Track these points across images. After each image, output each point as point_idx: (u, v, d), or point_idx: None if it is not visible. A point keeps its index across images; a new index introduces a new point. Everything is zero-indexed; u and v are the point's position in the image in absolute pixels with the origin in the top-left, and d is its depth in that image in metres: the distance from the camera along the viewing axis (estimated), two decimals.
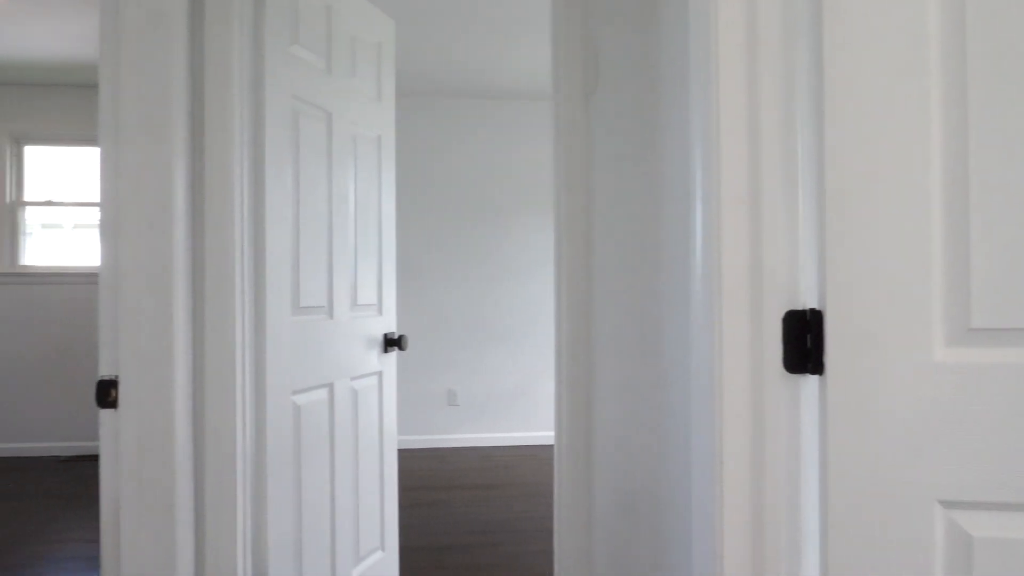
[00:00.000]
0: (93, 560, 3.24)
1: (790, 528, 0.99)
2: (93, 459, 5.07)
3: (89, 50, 4.50)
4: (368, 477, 2.48)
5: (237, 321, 1.78)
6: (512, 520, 3.74)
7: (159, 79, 1.68)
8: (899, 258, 0.93)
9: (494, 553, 3.29)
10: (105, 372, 1.61)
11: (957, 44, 0.91)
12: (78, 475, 4.70)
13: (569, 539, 1.98)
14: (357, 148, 2.44)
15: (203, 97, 1.79)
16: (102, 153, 1.70)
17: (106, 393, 1.59)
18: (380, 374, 2.57)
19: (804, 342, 0.98)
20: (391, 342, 2.59)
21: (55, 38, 4.35)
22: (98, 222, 1.65)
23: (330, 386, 2.25)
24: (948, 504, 0.91)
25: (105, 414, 1.61)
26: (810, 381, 0.99)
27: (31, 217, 5.39)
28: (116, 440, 1.61)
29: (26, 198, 5.36)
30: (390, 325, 2.63)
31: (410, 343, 5.45)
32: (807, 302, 0.99)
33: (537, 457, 5.13)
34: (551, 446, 5.44)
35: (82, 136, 5.32)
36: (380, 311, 2.58)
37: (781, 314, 0.99)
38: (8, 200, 5.26)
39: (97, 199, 1.71)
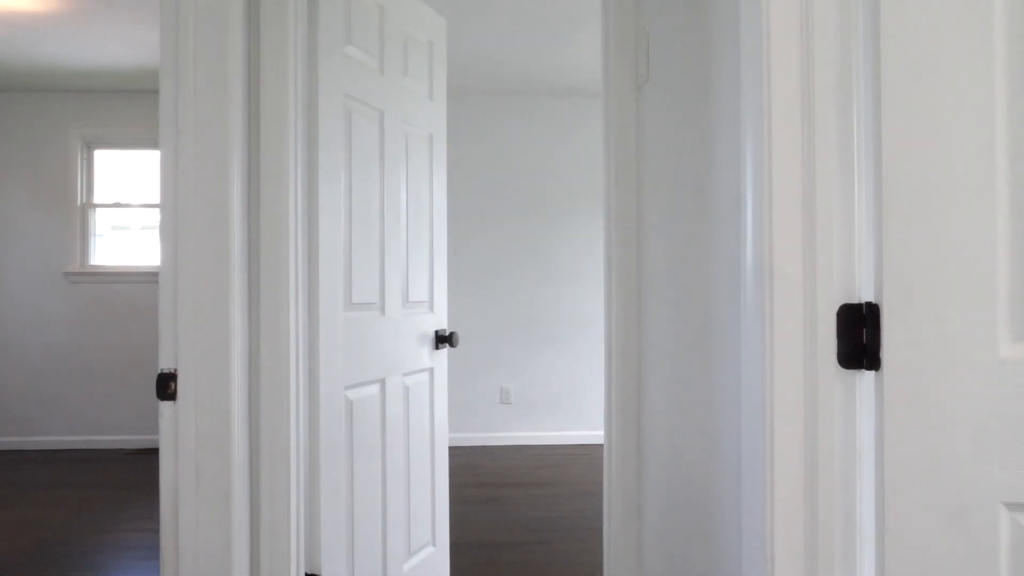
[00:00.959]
0: (154, 548, 3.35)
1: (844, 529, 0.96)
2: (156, 452, 5.25)
3: (155, 56, 4.66)
4: (419, 472, 2.50)
5: (291, 317, 1.82)
6: (563, 518, 3.73)
7: (217, 81, 1.73)
8: (962, 251, 0.89)
9: (545, 551, 3.28)
10: (165, 365, 1.66)
11: None
12: (142, 467, 4.87)
13: (619, 537, 1.97)
14: (409, 146, 2.46)
15: (259, 98, 1.84)
16: (162, 155, 1.76)
17: (165, 386, 1.64)
18: (431, 370, 2.59)
19: (860, 337, 0.94)
20: (442, 339, 2.61)
21: (123, 45, 4.51)
22: (159, 220, 1.71)
23: (382, 382, 2.28)
24: (1013, 506, 0.87)
25: (165, 406, 1.66)
26: (865, 377, 0.96)
27: (101, 219, 5.60)
28: (175, 431, 1.66)
29: (96, 200, 5.58)
30: (441, 322, 2.65)
31: (463, 342, 5.49)
32: (863, 295, 0.96)
33: (588, 456, 5.10)
34: (602, 445, 5.41)
35: (149, 140, 5.51)
36: (431, 308, 2.60)
37: (835, 308, 0.96)
38: (79, 202, 5.48)
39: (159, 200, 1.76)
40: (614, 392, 1.97)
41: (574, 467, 4.80)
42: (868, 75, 0.93)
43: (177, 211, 1.72)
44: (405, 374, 2.41)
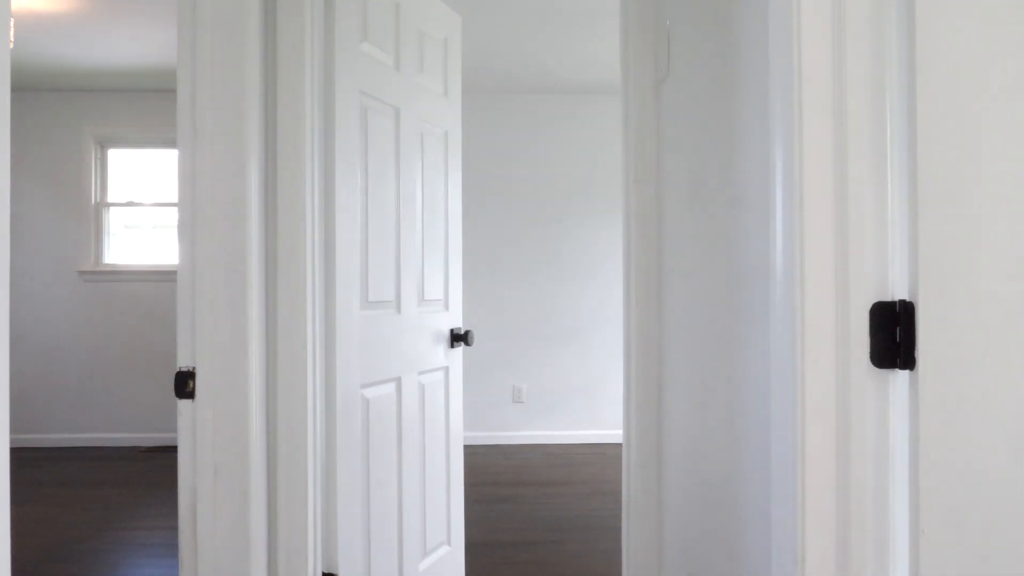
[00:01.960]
0: (171, 547, 3.35)
1: (877, 530, 0.94)
2: (172, 450, 5.27)
3: (169, 56, 4.66)
4: (434, 471, 2.49)
5: (308, 315, 1.81)
6: (578, 518, 3.71)
7: (234, 80, 1.72)
8: (1001, 245, 0.87)
9: (560, 551, 3.27)
10: (183, 364, 1.65)
11: None
12: (158, 465, 4.88)
13: (638, 537, 1.95)
14: (424, 144, 2.45)
15: (276, 96, 1.83)
16: (180, 154, 1.75)
17: (184, 384, 1.64)
18: (447, 369, 2.58)
19: (893, 335, 0.92)
20: (457, 337, 2.60)
21: (137, 45, 4.53)
22: (176, 221, 1.70)
23: (398, 380, 2.27)
24: None
25: (183, 404, 1.65)
26: (899, 376, 0.94)
27: (114, 218, 5.63)
28: (193, 429, 1.65)
29: (110, 199, 5.60)
30: (456, 320, 2.64)
31: (476, 340, 5.48)
32: (896, 293, 0.94)
33: (602, 455, 5.08)
34: (617, 444, 5.38)
35: (162, 139, 5.53)
36: (447, 306, 2.59)
37: (868, 306, 0.94)
38: (93, 201, 5.50)
39: (175, 200, 1.76)
40: (633, 391, 1.96)
41: (587, 466, 4.78)
42: (902, 68, 0.91)
43: (195, 210, 1.72)
44: (421, 373, 2.41)
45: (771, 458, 1.04)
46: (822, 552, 0.95)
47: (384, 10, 2.21)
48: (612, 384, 5.48)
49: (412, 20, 2.37)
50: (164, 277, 5.44)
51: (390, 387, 2.23)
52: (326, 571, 1.92)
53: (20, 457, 5.04)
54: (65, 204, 5.48)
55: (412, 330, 2.34)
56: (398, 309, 2.27)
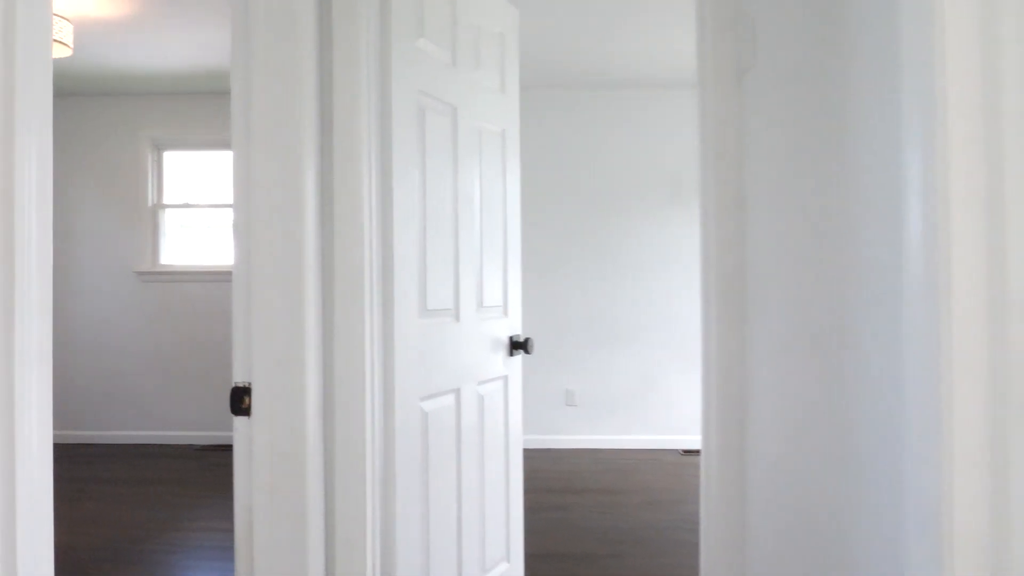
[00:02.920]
0: (225, 550, 3.33)
1: None
2: (226, 448, 5.29)
3: (223, 58, 4.66)
4: (494, 487, 2.39)
5: (366, 325, 1.72)
6: (636, 529, 3.58)
7: (288, 80, 1.64)
8: None
9: (621, 565, 3.14)
10: (239, 379, 1.58)
11: None
12: (211, 464, 4.90)
13: (719, 556, 1.82)
14: (482, 143, 2.35)
15: (331, 96, 1.74)
16: (234, 156, 1.68)
17: (240, 400, 1.56)
18: (506, 378, 2.48)
19: None
20: (517, 345, 2.49)
21: (190, 47, 4.53)
22: (232, 223, 1.63)
23: (457, 391, 2.17)
24: None
25: (239, 421, 1.58)
26: None
27: (170, 219, 5.67)
28: (249, 448, 1.58)
29: (165, 201, 5.65)
30: (516, 327, 2.54)
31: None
32: None
33: (656, 462, 4.93)
34: (674, 451, 5.22)
35: (217, 141, 5.55)
36: (505, 312, 2.48)
37: None
38: (150, 203, 5.55)
39: (229, 201, 1.69)
40: (713, 397, 1.83)
41: (642, 473, 4.63)
42: None
43: (250, 216, 1.64)
44: (480, 383, 2.31)
45: (906, 486, 0.91)
46: None
47: (440, 5, 2.11)
48: (668, 388, 5.31)
49: (469, 15, 2.27)
50: (218, 277, 5.46)
51: (449, 399, 2.14)
52: None
53: (77, 453, 5.11)
54: (122, 206, 5.54)
55: (471, 339, 2.24)
56: (456, 317, 2.18)
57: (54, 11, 3.69)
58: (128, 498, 4.17)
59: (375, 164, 1.81)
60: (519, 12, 2.64)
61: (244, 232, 1.64)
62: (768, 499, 1.58)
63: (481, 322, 2.31)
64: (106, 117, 5.55)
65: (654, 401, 5.33)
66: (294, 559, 1.61)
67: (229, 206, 1.74)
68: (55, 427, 5.49)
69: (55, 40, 3.40)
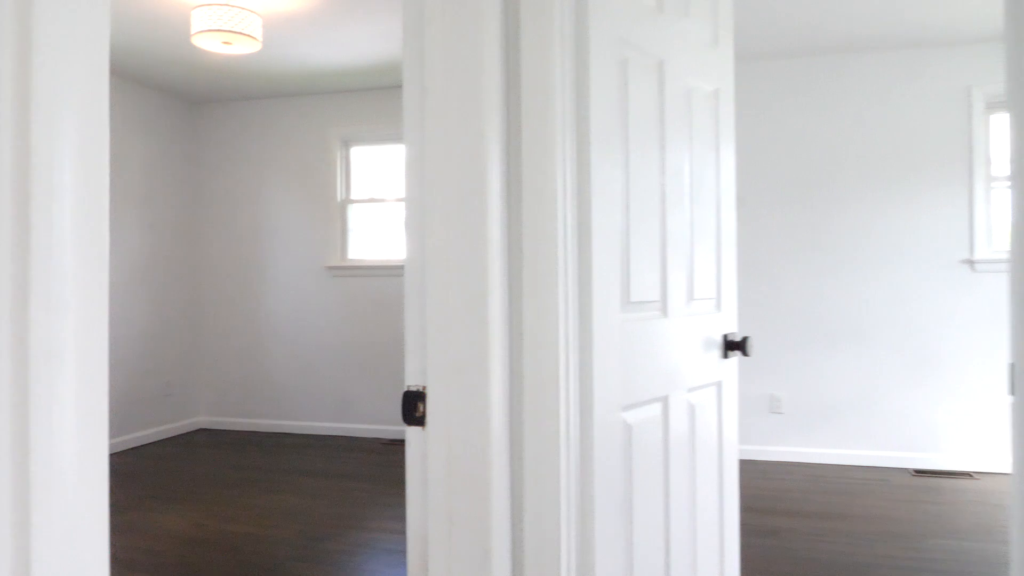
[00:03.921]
0: (404, 555, 3.18)
1: None
2: None
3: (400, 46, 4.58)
4: (705, 513, 2.00)
5: (560, 321, 1.41)
6: (869, 568, 3.01)
7: (467, 26, 1.36)
8: None
9: None
10: (412, 382, 1.33)
11: None
12: (397, 459, 4.87)
13: None
14: (692, 105, 1.97)
15: (518, 47, 1.45)
16: (406, 129, 1.44)
17: (413, 407, 1.31)
18: (719, 384, 2.08)
19: None
20: (732, 345, 2.08)
21: (373, 39, 4.49)
22: (404, 214, 1.37)
23: (664, 400, 1.81)
24: None
25: (412, 433, 1.33)
26: None
27: (357, 214, 5.75)
28: (423, 466, 1.32)
29: (353, 196, 5.74)
30: (730, 323, 2.13)
31: None
32: None
33: (883, 483, 4.24)
34: (903, 470, 4.50)
35: (400, 135, 5.54)
36: (718, 306, 2.08)
37: None
38: (339, 199, 5.66)
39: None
40: None
41: (867, 496, 3.99)
42: None
43: (424, 198, 1.39)
44: (689, 390, 1.93)
45: None
46: None
47: None
48: (896, 398, 4.58)
49: None
50: (403, 272, 5.45)
51: (655, 409, 1.78)
52: None
53: (269, 442, 5.29)
54: (313, 203, 5.69)
55: (680, 337, 1.87)
56: (664, 311, 1.81)
57: (243, 5, 3.74)
58: (316, 491, 4.20)
59: (570, 128, 1.49)
60: None
61: (417, 218, 1.39)
62: None
63: (691, 317, 1.93)
64: (297, 117, 5.72)
65: (878, 412, 4.61)
66: None
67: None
68: (252, 415, 5.74)
69: (244, 34, 3.42)
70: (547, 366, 1.40)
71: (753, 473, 4.46)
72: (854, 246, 4.64)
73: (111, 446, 5.12)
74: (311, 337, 5.69)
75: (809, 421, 4.72)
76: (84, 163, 0.64)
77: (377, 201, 5.70)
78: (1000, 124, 4.48)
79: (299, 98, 5.73)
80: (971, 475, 4.36)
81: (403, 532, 3.47)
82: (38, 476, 0.59)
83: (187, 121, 5.86)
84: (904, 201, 4.56)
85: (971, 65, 4.47)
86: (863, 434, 4.63)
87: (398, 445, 5.25)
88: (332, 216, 5.65)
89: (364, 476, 4.51)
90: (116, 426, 5.16)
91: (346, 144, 5.72)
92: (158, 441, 5.49)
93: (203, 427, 5.91)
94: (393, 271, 5.53)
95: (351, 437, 5.56)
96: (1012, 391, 1.33)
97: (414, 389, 1.31)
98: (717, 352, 2.06)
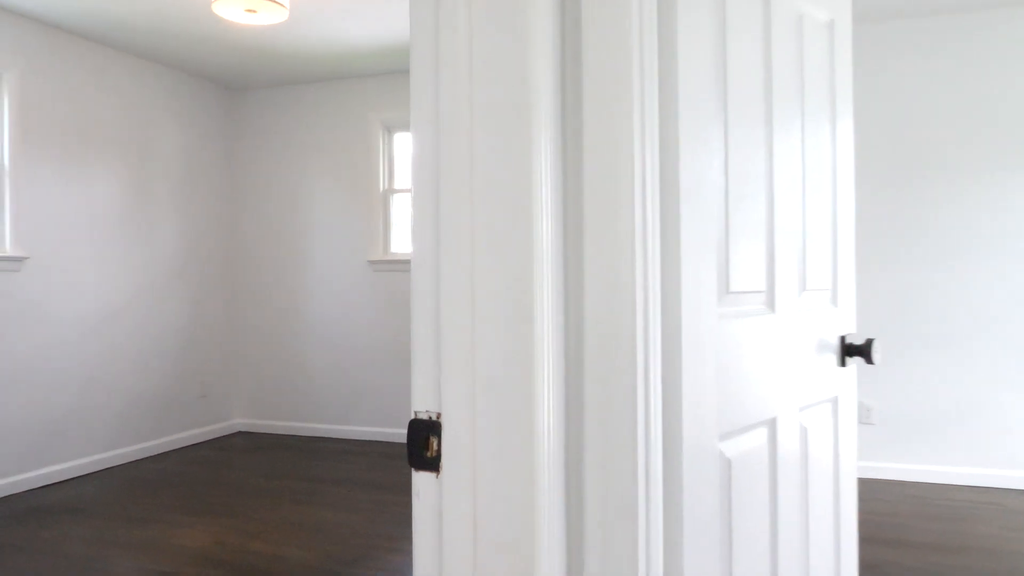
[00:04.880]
0: None
1: None
2: None
3: None
4: (820, 559, 1.55)
5: (637, 321, 0.99)
6: None
7: None
8: None
9: None
10: (421, 407, 0.91)
11: None
12: None
13: None
14: (803, 40, 1.51)
15: None
16: (414, 90, 1.03)
17: (423, 443, 0.90)
18: (835, 400, 1.62)
19: None
20: (852, 350, 1.62)
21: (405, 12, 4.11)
22: (412, 193, 0.97)
23: (771, 423, 1.37)
24: None
25: (421, 480, 0.91)
26: None
27: (401, 204, 5.40)
28: (437, 527, 0.91)
29: (396, 186, 5.38)
30: (849, 323, 1.66)
31: None
32: None
33: (1000, 507, 3.67)
34: (1018, 491, 3.91)
35: None
36: (834, 299, 1.62)
37: None
38: (381, 189, 5.31)
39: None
40: None
41: (976, 522, 3.43)
42: None
43: (439, 163, 0.98)
44: (801, 408, 1.48)
45: None
46: None
47: None
48: (1006, 409, 3.99)
49: None
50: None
51: (760, 436, 1.34)
52: None
53: (309, 448, 4.97)
54: (354, 193, 5.36)
55: (789, 338, 1.42)
56: (771, 305, 1.37)
57: None
58: (349, 505, 3.84)
59: (648, 48, 1.06)
60: None
61: (431, 192, 0.98)
62: None
63: (803, 313, 1.48)
64: (337, 102, 5.39)
65: (983, 424, 4.02)
66: None
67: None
68: (290, 418, 5.43)
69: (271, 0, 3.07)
70: (619, 384, 0.97)
71: None
72: (967, 235, 4.05)
73: (146, 449, 4.88)
74: (352, 336, 5.35)
75: (904, 433, 4.16)
76: None
77: None
78: None
79: (337, 82, 5.40)
80: None
81: None
82: None
83: (223, 109, 5.59)
84: (1011, 183, 3.96)
85: None
86: (966, 449, 4.04)
87: None
88: (374, 207, 5.31)
89: (404, 488, 4.15)
90: (151, 428, 4.92)
91: (389, 130, 5.37)
92: (194, 444, 5.23)
93: (241, 430, 5.64)
94: None
95: (393, 443, 5.21)
96: None
97: (424, 417, 0.90)
98: (833, 358, 1.60)
